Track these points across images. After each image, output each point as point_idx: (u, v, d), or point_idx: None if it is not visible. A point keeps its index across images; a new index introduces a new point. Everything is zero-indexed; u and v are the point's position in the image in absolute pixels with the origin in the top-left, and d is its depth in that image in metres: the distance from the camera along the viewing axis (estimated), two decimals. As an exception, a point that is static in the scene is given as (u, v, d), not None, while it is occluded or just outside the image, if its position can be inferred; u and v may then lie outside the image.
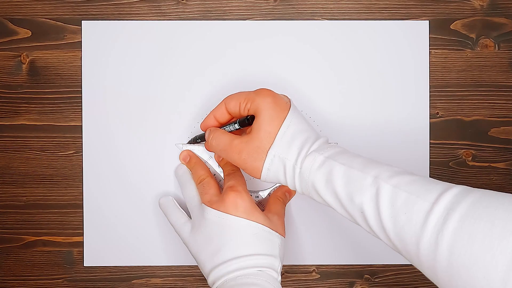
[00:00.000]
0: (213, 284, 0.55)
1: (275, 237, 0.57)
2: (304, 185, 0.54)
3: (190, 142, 0.64)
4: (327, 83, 0.65)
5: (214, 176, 0.63)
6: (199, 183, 0.61)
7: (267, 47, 0.65)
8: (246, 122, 0.57)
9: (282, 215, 0.61)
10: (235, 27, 0.65)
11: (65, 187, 0.65)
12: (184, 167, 0.64)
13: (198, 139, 0.63)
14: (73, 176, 0.65)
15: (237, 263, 0.55)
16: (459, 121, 0.66)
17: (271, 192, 0.64)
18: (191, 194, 0.61)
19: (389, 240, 0.49)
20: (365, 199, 0.50)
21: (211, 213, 0.57)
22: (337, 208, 0.53)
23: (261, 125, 0.54)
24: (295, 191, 0.62)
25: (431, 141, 0.65)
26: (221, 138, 0.57)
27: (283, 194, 0.63)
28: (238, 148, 0.55)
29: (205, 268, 0.56)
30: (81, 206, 0.65)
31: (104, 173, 0.65)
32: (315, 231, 0.65)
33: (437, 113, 0.65)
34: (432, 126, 0.65)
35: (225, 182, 0.60)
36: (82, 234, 0.65)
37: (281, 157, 0.54)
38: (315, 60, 0.65)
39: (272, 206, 0.61)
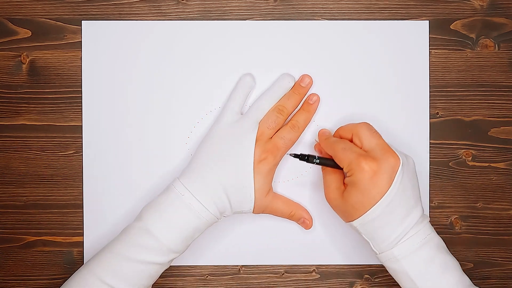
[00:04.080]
0: None
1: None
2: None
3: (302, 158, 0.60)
4: (327, 83, 0.65)
5: None
6: None
7: (267, 47, 0.65)
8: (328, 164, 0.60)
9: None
10: (235, 27, 0.64)
11: (65, 187, 0.65)
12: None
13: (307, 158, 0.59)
14: (73, 176, 0.65)
15: None
16: (459, 121, 0.65)
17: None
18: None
19: None
20: None
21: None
22: None
23: (355, 196, 0.56)
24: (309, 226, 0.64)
25: (431, 141, 0.65)
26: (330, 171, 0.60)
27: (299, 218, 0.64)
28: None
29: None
30: (81, 206, 0.65)
31: (104, 173, 0.65)
32: (315, 231, 0.65)
33: (437, 113, 0.65)
34: (432, 126, 0.65)
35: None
36: (82, 234, 0.65)
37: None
38: (314, 60, 0.65)
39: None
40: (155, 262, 0.57)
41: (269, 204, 0.61)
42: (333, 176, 0.60)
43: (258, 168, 0.59)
